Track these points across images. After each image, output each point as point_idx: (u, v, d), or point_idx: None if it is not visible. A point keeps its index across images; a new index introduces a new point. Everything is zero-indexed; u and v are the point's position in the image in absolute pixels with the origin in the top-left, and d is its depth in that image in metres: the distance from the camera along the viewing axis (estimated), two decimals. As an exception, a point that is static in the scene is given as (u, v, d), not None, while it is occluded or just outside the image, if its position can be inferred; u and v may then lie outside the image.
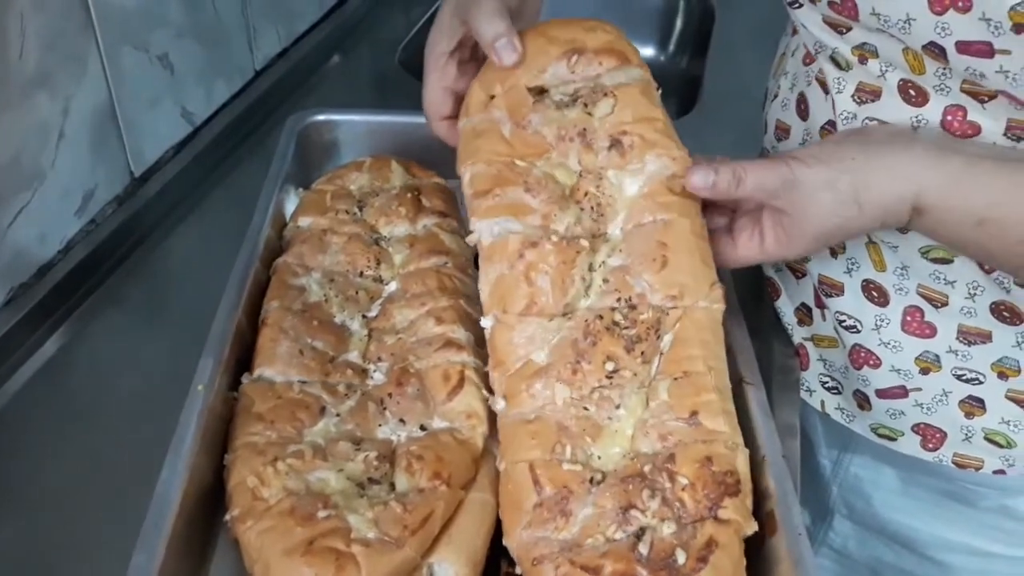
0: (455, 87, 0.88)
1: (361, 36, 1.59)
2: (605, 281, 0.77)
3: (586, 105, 0.81)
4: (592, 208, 0.79)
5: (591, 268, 0.77)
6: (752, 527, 0.69)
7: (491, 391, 0.77)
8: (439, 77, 0.87)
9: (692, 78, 1.74)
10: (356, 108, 1.15)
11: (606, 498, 0.69)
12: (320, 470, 0.72)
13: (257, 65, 1.38)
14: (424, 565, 0.69)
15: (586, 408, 0.73)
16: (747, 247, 0.80)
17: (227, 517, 0.71)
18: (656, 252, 0.76)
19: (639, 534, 0.67)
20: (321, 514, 0.68)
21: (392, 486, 0.73)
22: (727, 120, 1.36)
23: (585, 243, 0.77)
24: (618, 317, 0.75)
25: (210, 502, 0.74)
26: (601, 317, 0.75)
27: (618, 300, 0.76)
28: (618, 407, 0.73)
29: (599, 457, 0.72)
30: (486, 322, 0.77)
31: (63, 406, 0.92)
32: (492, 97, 0.83)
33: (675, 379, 0.73)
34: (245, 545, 0.69)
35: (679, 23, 1.83)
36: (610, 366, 0.74)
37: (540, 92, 0.83)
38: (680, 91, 1.78)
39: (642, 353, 0.74)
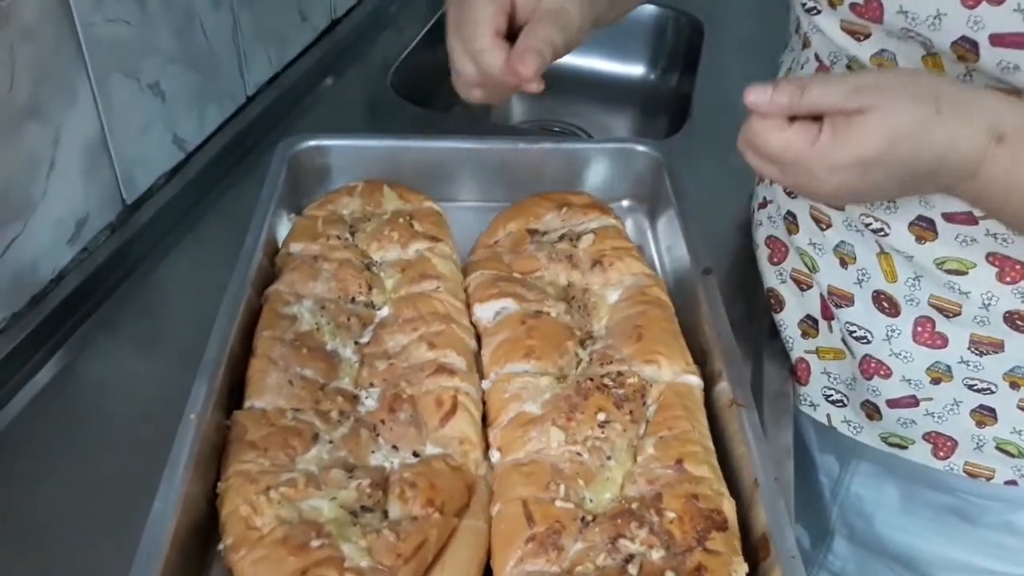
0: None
1: (352, 60, 1.59)
2: (590, 360, 0.85)
3: (572, 240, 0.99)
4: (580, 308, 0.92)
5: (583, 346, 0.88)
6: (743, 568, 0.69)
7: (483, 416, 0.82)
8: (493, 25, 0.76)
9: (682, 95, 1.75)
10: (348, 132, 1.15)
11: (595, 534, 0.70)
12: (313, 498, 0.72)
13: (249, 90, 1.38)
14: (418, 593, 0.69)
15: (579, 454, 0.76)
16: (797, 131, 0.68)
17: (220, 546, 0.71)
18: (632, 332, 0.87)
19: (628, 559, 0.68)
20: (314, 543, 0.68)
21: (385, 514, 0.73)
22: (717, 137, 1.36)
23: (579, 333, 0.89)
24: (607, 381, 0.82)
25: (203, 531, 0.74)
26: (591, 379, 0.82)
27: (601, 364, 0.84)
28: (609, 458, 0.76)
29: (591, 500, 0.74)
30: (486, 384, 0.85)
31: (57, 434, 0.92)
32: (496, 242, 1.01)
33: (661, 437, 0.77)
34: (238, 575, 0.69)
35: (669, 42, 1.84)
36: (602, 416, 0.78)
37: (536, 233, 1.01)
38: (670, 109, 1.78)
39: (631, 412, 0.80)
